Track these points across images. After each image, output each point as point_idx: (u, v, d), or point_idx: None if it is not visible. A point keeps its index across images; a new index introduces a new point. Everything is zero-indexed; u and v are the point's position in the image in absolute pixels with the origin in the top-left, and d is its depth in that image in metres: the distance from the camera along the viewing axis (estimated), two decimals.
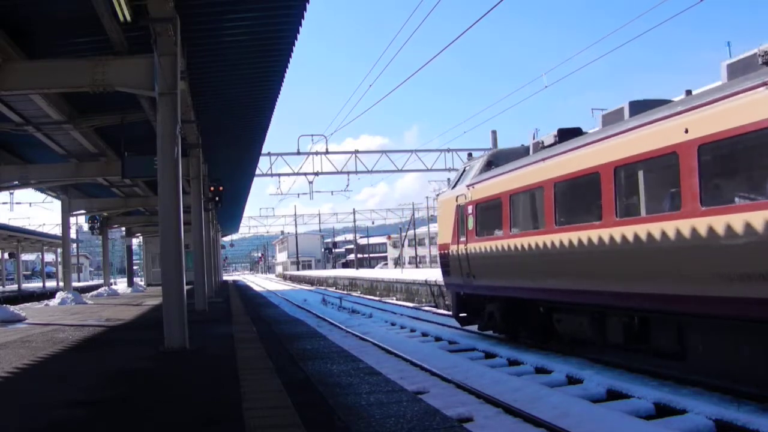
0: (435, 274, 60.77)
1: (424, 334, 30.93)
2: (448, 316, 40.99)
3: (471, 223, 26.27)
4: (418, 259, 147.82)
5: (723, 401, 14.96)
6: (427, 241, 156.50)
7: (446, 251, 28.94)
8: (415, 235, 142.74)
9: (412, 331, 33.12)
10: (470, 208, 26.40)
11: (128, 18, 16.41)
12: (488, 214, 25.14)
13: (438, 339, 28.75)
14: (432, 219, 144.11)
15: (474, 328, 28.78)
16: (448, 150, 67.87)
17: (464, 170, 29.09)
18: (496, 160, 26.21)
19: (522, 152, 25.05)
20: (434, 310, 46.36)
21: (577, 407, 14.53)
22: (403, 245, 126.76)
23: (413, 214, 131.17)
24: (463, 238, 26.95)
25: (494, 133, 68.64)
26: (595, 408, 14.58)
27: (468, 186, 26.84)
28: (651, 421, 13.72)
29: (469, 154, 69.26)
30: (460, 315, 28.90)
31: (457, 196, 27.79)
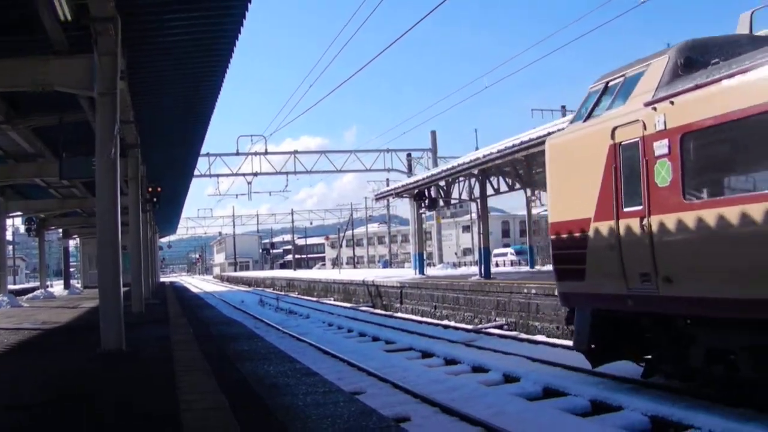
0: (373, 274, 60.98)
1: (362, 334, 30.92)
2: (383, 315, 41.05)
3: (667, 175, 13.87)
4: (356, 260, 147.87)
5: (659, 398, 15.12)
6: (365, 242, 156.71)
7: (573, 234, 16.66)
8: (353, 235, 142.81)
9: (350, 331, 33.12)
10: (665, 147, 13.92)
11: (69, 17, 16.23)
12: (728, 154, 13.88)
13: (376, 339, 28.77)
14: (371, 219, 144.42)
15: (605, 368, 17.28)
16: (387, 150, 68.37)
17: (608, 86, 16.66)
18: (701, 54, 14.85)
19: (745, 42, 15.20)
20: (371, 310, 46.55)
21: (514, 405, 14.66)
22: (341, 246, 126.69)
23: (351, 215, 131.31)
24: (634, 207, 14.72)
25: (434, 133, 69.29)
26: (532, 406, 14.74)
27: (652, 103, 14.45)
28: (587, 418, 13.91)
29: (408, 155, 70.05)
30: (592, 347, 16.58)
31: (615, 129, 15.29)
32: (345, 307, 49.79)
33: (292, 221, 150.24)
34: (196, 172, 57.63)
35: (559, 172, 17.82)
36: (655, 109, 14.29)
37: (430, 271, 57.58)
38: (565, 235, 17.01)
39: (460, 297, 36.19)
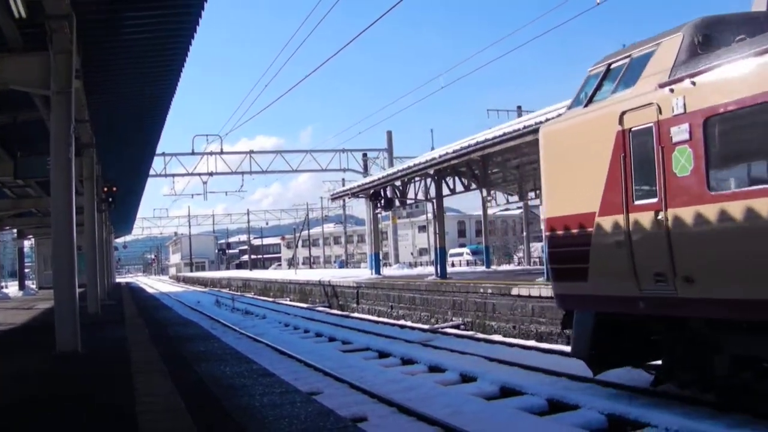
0: (329, 274, 60.90)
1: (318, 335, 30.81)
2: (340, 315, 40.98)
3: (687, 163, 12.53)
4: (312, 260, 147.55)
5: (616, 396, 15.24)
6: (320, 242, 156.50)
7: (574, 230, 15.21)
8: (309, 235, 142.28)
9: (306, 331, 33.02)
10: (685, 132, 12.62)
11: (23, 15, 16.05)
12: (762, 138, 11.86)
13: (332, 339, 28.72)
14: (327, 219, 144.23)
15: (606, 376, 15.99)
16: (343, 150, 68.26)
17: (611, 68, 15.34)
18: (719, 32, 13.77)
19: (765, 20, 14.36)
20: (328, 310, 46.49)
21: (471, 405, 14.67)
22: (297, 246, 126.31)
23: (307, 215, 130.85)
24: (647, 200, 13.40)
25: (389, 133, 69.28)
26: (489, 405, 14.77)
27: (669, 84, 13.09)
28: (544, 417, 13.95)
29: (364, 155, 70.00)
30: (593, 353, 15.16)
31: (624, 113, 13.88)
32: (301, 308, 49.66)
33: (248, 221, 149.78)
34: (151, 172, 57.21)
35: (556, 162, 16.28)
36: (672, 90, 12.91)
37: (386, 271, 57.58)
38: (563, 232, 15.59)
39: (416, 297, 36.20)
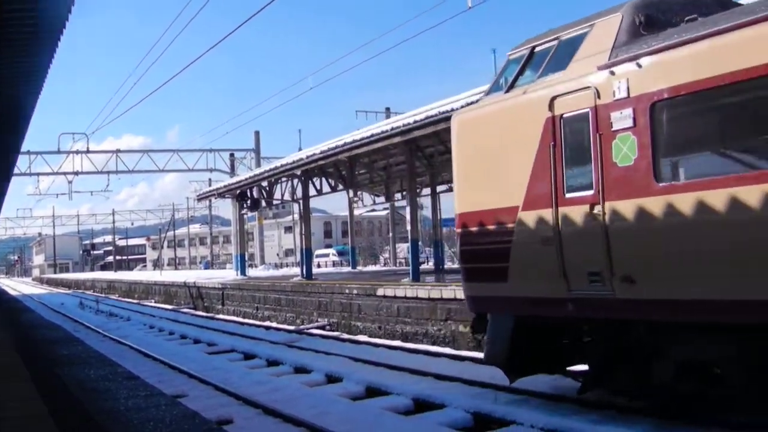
0: (194, 275, 60.22)
1: (183, 337, 30.37)
2: (205, 317, 40.49)
3: (631, 152, 11.40)
4: (177, 261, 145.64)
5: (481, 395, 15.32)
6: (186, 243, 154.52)
7: (492, 227, 13.93)
8: (175, 236, 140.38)
9: (171, 333, 32.53)
10: (628, 118, 11.47)
11: None
12: (718, 125, 11.45)
13: (198, 341, 28.29)
14: (194, 220, 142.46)
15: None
16: (211, 150, 67.83)
17: (536, 51, 14.07)
18: (662, 12, 12.80)
19: (711, 2, 13.00)
20: (193, 311, 45.94)
21: (337, 405, 14.61)
22: (162, 247, 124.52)
23: (173, 215, 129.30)
24: (581, 192, 12.25)
25: (257, 133, 68.98)
26: (355, 405, 14.73)
27: (610, 66, 11.93)
28: (409, 417, 13.95)
29: (231, 155, 69.49)
30: (510, 359, 14.00)
31: (554, 98, 12.67)
32: (166, 309, 48.91)
33: (113, 222, 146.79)
34: (15, 170, 55.47)
35: (471, 152, 14.79)
36: (613, 73, 11.79)
37: (251, 272, 57.19)
38: (478, 228, 14.21)
39: (282, 298, 36.04)
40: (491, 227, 13.83)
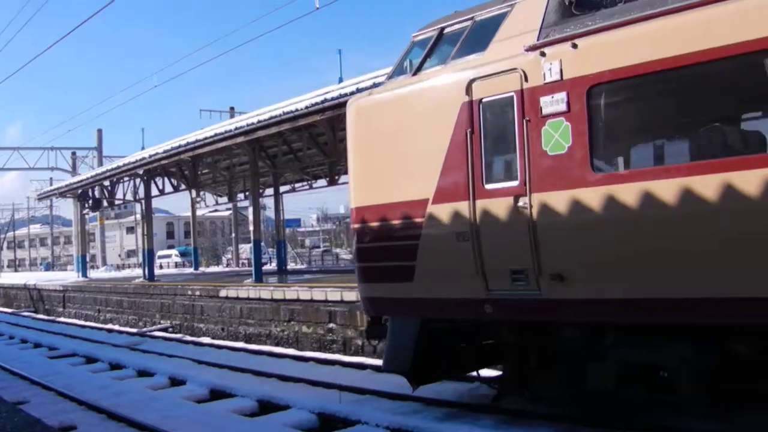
0: (35, 277, 58.54)
1: (24, 341, 29.50)
2: (46, 320, 39.48)
3: (564, 139, 10.39)
4: (17, 263, 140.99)
5: (326, 395, 15.43)
6: (26, 243, 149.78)
7: (396, 222, 12.64)
8: (14, 237, 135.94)
9: (11, 338, 31.45)
10: (561, 103, 10.44)
11: None
12: (663, 111, 10.74)
13: (38, 345, 27.59)
14: (34, 220, 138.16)
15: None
16: (52, 148, 65.72)
17: (445, 33, 12.81)
18: None
19: None
20: (33, 315, 44.70)
21: (181, 409, 14.54)
22: (1, 248, 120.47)
23: (13, 215, 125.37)
24: (504, 183, 11.19)
25: (100, 132, 67.40)
26: (199, 408, 14.70)
27: (540, 47, 10.79)
28: (255, 418, 13.95)
29: (73, 154, 67.72)
30: (415, 367, 12.83)
31: (473, 81, 11.49)
32: (6, 313, 47.23)
33: None
34: None
35: (372, 142, 13.37)
36: (543, 54, 10.68)
37: (93, 274, 56.05)
38: (380, 224, 12.87)
39: (123, 300, 35.52)
40: (395, 222, 12.55)
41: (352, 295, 20.58)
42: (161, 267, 76.53)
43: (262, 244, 37.53)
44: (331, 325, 21.55)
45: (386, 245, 12.78)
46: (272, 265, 54.10)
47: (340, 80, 36.30)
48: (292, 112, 26.03)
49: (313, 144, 33.86)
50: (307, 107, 25.37)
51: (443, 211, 11.67)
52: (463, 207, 11.37)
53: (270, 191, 46.14)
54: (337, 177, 41.13)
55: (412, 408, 13.71)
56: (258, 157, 34.38)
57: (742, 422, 10.47)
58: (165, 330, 29.83)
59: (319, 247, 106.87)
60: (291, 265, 51.31)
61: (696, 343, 10.02)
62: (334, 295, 21.62)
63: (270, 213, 54.85)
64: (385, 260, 12.82)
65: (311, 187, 47.43)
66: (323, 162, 37.72)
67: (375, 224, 12.92)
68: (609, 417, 11.14)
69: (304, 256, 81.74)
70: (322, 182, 44.54)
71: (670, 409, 11.04)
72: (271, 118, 26.88)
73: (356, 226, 13.38)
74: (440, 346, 12.96)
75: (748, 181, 8.68)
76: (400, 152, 12.60)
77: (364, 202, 13.22)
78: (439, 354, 13.04)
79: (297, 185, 47.53)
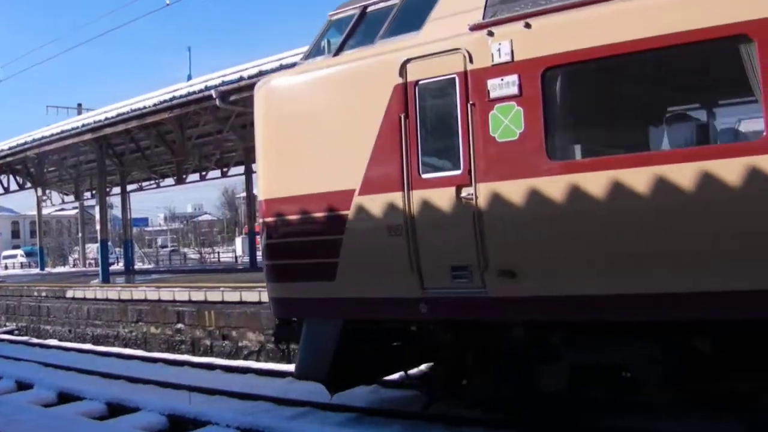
0: None
1: None
2: None
3: (515, 125, 9.55)
4: None
5: (175, 396, 15.38)
6: None
7: (316, 215, 11.55)
8: None
9: None
10: (513, 85, 9.58)
11: None
12: (625, 96, 10.63)
13: None
14: None
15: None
16: None
17: (368, 11, 11.70)
18: None
19: None
20: None
21: (28, 413, 14.25)
22: None
23: None
24: (444, 172, 10.37)
25: None
26: (47, 412, 14.39)
27: (488, 26, 9.92)
28: (104, 422, 13.71)
29: None
30: (334, 372, 11.73)
31: (407, 62, 10.51)
32: None
33: None
34: None
35: (286, 128, 12.09)
36: (491, 34, 9.80)
37: None
38: (295, 217, 11.78)
39: None
40: (315, 215, 11.46)
41: (200, 295, 20.65)
42: (6, 267, 74.36)
43: (110, 243, 37.02)
44: (180, 325, 21.48)
45: (302, 240, 11.79)
46: (119, 265, 53.10)
47: (189, 78, 36.09)
48: (140, 109, 25.87)
49: (161, 142, 33.59)
50: (155, 105, 25.23)
51: (372, 203, 10.73)
52: (396, 198, 10.46)
53: (117, 190, 45.30)
54: (184, 176, 40.75)
55: (262, 407, 13.82)
56: (105, 155, 33.73)
57: (703, 423, 10.26)
58: (10, 332, 29.03)
59: (167, 246, 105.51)
60: (138, 265, 50.63)
61: (659, 341, 9.39)
62: (182, 295, 21.61)
63: (117, 212, 53.89)
64: (301, 257, 11.78)
65: (159, 186, 47.05)
66: (171, 161, 37.43)
67: (289, 218, 11.83)
68: (552, 420, 10.65)
69: (151, 255, 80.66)
70: (170, 181, 44.32)
71: (629, 410, 10.65)
72: (118, 115, 26.63)
73: (266, 220, 12.29)
74: (365, 350, 11.92)
75: (711, 172, 8.24)
76: (319, 140, 11.55)
77: (276, 194, 12.10)
78: (362, 357, 11.99)
79: (144, 184, 47.03)
